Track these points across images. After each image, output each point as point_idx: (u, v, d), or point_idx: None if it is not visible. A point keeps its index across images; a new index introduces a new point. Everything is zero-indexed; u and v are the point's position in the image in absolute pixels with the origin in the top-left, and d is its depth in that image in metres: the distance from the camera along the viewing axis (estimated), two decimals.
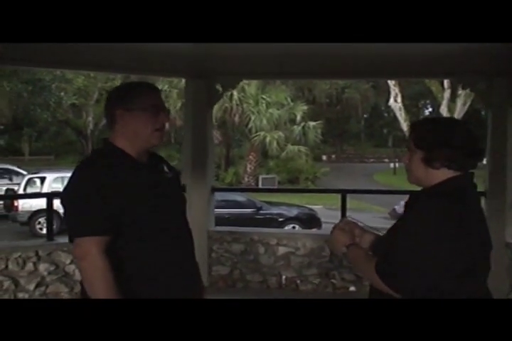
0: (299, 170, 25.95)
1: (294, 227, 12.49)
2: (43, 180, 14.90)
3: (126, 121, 2.13)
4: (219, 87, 5.58)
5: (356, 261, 2.03)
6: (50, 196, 5.67)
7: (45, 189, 14.27)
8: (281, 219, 12.77)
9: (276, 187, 22.29)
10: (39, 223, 13.71)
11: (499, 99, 5.08)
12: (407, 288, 1.78)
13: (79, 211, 2.05)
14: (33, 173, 16.02)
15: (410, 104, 35.66)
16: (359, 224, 2.19)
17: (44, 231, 13.76)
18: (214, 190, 5.99)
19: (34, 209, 13.38)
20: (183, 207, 2.32)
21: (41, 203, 13.53)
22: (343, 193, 5.92)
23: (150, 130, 2.14)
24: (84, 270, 2.03)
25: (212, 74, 5.43)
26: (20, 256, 5.11)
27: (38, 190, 14.39)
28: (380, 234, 2.14)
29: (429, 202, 1.83)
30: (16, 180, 17.01)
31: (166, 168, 2.28)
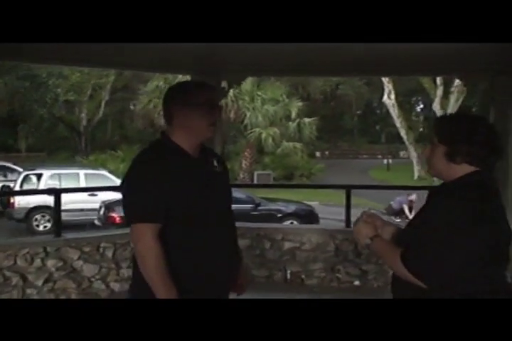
0: (295, 167, 26.04)
1: (291, 223, 12.51)
2: (39, 176, 14.70)
3: (183, 115, 2.25)
4: (225, 84, 5.59)
5: (381, 252, 2.11)
6: (57, 192, 5.70)
7: (42, 186, 14.08)
8: (279, 215, 12.77)
9: (271, 183, 22.26)
10: (36, 220, 13.67)
11: (501, 97, 5.12)
12: (431, 275, 1.86)
13: (136, 199, 2.21)
14: (29, 170, 15.79)
15: (403, 101, 35.76)
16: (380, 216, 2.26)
17: (41, 228, 13.72)
18: None
19: (31, 205, 13.34)
20: (230, 200, 2.47)
21: (38, 200, 13.44)
22: (348, 189, 6.00)
23: (205, 124, 2.26)
24: (139, 251, 2.19)
25: (218, 71, 5.42)
26: (28, 252, 5.13)
27: (34, 187, 14.20)
28: (401, 226, 2.21)
29: (451, 195, 1.91)
30: (10, 176, 16.89)
31: (215, 163, 2.40)
